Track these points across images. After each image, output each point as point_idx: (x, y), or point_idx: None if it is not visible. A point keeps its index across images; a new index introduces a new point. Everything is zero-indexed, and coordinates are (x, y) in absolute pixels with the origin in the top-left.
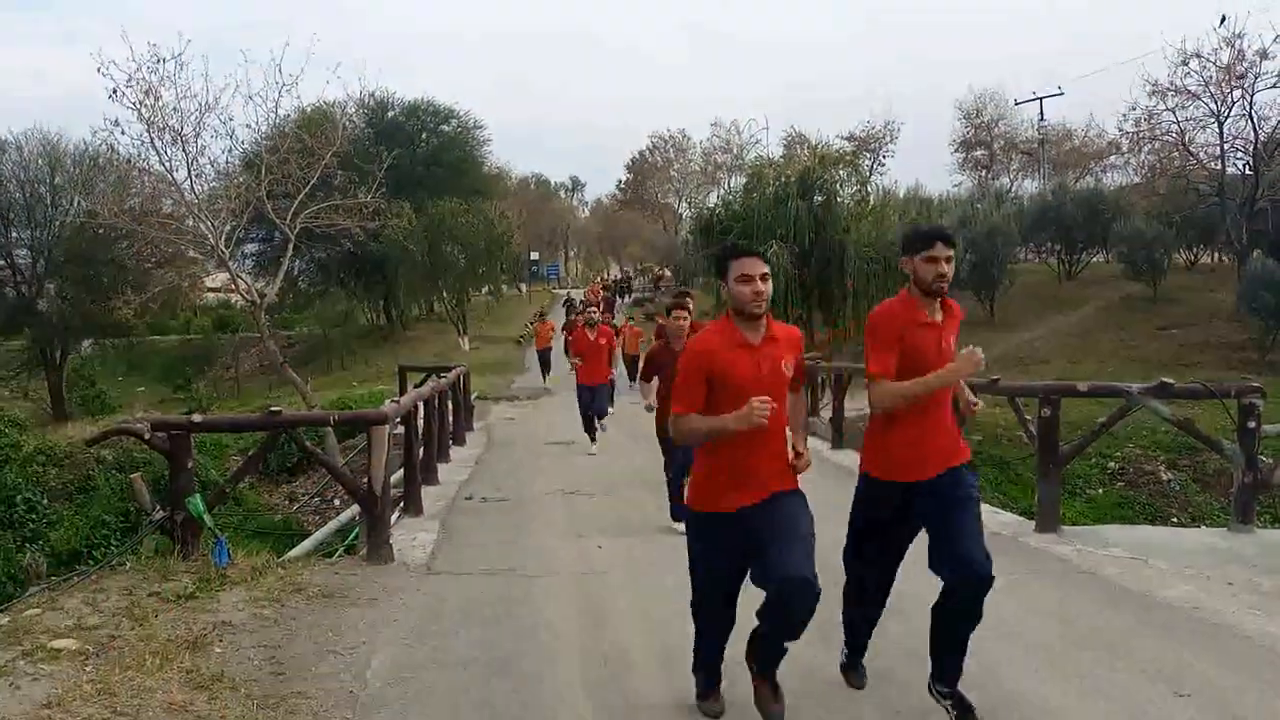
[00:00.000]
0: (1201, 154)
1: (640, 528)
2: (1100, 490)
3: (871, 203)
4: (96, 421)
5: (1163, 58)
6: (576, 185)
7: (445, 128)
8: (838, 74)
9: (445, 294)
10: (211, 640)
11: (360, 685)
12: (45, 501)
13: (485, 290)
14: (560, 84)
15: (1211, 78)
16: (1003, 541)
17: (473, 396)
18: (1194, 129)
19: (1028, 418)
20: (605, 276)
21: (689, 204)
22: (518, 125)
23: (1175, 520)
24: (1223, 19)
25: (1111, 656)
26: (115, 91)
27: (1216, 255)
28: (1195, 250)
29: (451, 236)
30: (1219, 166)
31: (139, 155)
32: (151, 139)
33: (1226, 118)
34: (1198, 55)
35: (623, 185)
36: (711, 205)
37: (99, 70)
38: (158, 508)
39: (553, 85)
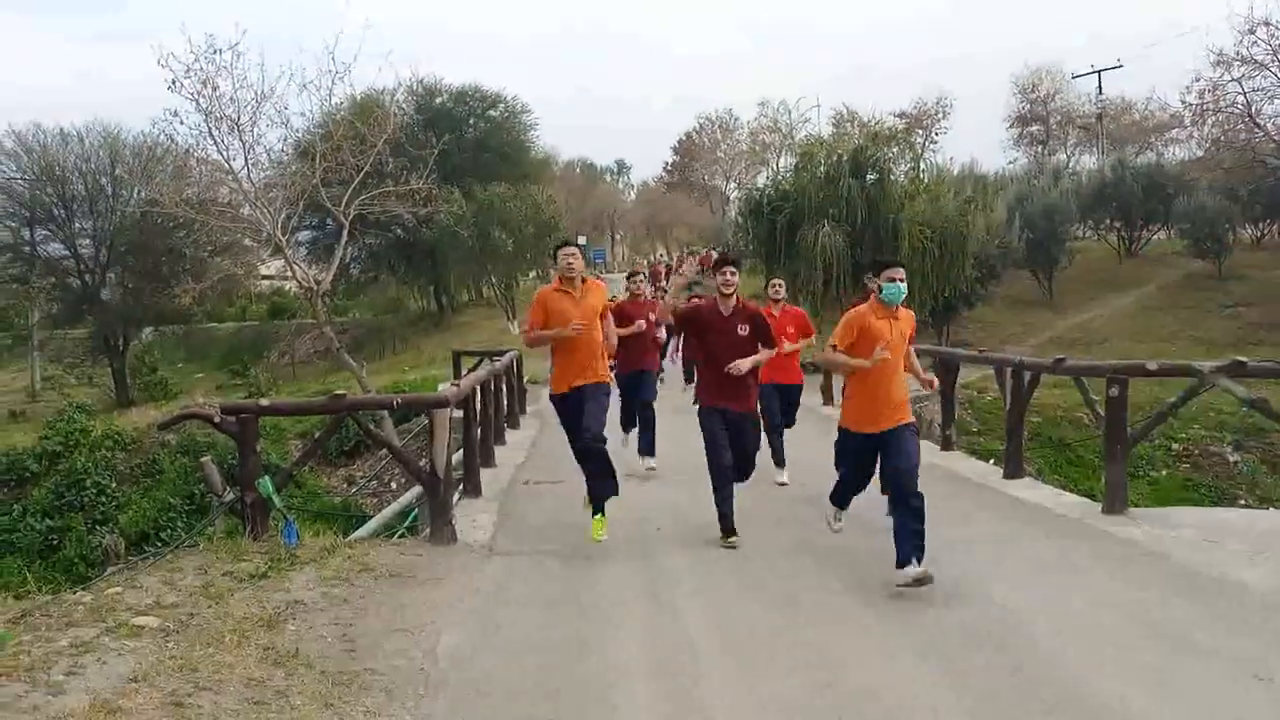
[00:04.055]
0: (1269, 125)
1: (696, 510)
2: (1164, 472)
3: (925, 180)
4: (159, 407)
5: (1228, 26)
6: (622, 168)
7: (493, 113)
8: (888, 50)
9: (494, 279)
10: (285, 618)
11: (431, 663)
12: (113, 485)
13: (533, 275)
14: (609, 67)
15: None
16: (1069, 524)
17: (525, 380)
18: (1261, 100)
19: (1094, 398)
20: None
21: (737, 185)
22: (564, 108)
23: (1243, 502)
24: None
25: (1184, 641)
26: (174, 83)
27: None
28: (1262, 226)
29: (500, 221)
30: None
31: (197, 145)
32: (210, 129)
33: None
34: (1265, 23)
35: (669, 167)
36: (760, 185)
37: (159, 62)
38: (228, 489)
39: (601, 69)
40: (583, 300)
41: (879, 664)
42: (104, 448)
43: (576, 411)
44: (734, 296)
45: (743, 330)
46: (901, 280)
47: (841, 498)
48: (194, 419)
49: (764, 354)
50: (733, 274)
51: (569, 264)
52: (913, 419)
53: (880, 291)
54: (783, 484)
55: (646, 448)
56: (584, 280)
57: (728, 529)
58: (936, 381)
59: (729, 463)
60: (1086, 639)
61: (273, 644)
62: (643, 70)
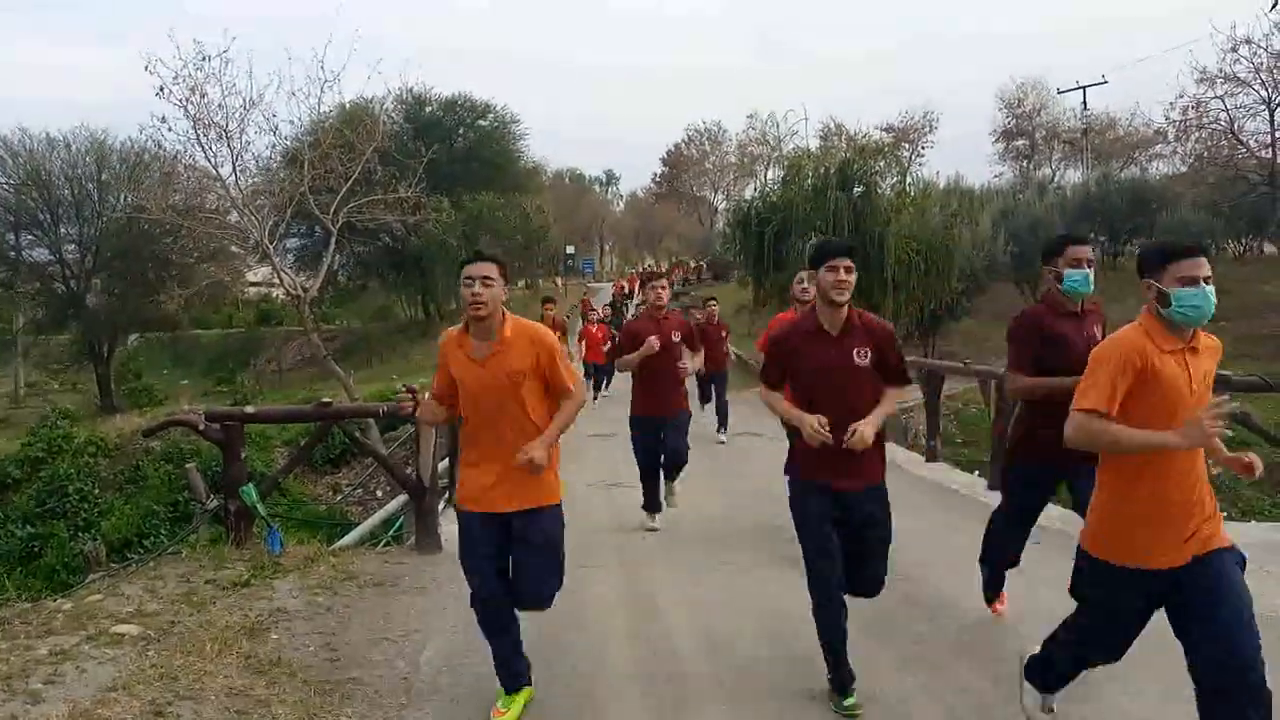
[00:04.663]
0: (1251, 142)
1: (683, 520)
2: None
3: (911, 194)
4: (144, 414)
5: (1211, 44)
6: (611, 179)
7: (482, 122)
8: (876, 66)
9: None
10: (268, 626)
11: (414, 672)
12: (96, 491)
13: (522, 284)
14: (606, 80)
15: (1262, 64)
16: (1054, 535)
17: None
18: (1244, 116)
19: None
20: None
21: (725, 196)
22: (552, 119)
23: (1225, 515)
24: (1274, 4)
25: (1175, 652)
26: (162, 89)
27: (1266, 246)
28: (1245, 241)
29: (489, 230)
30: (1270, 155)
31: (185, 151)
32: (198, 135)
33: (1278, 105)
34: (1248, 41)
35: (658, 178)
36: (749, 197)
37: (146, 68)
38: (212, 497)
39: (596, 80)
40: (492, 361)
41: (865, 675)
42: (87, 454)
43: (481, 539)
44: (846, 307)
45: (861, 359)
46: (1209, 281)
47: (1068, 665)
48: (179, 425)
49: (891, 400)
50: (848, 270)
51: (473, 295)
52: (1230, 542)
53: (1167, 306)
54: None
55: (651, 502)
56: (504, 322)
57: (843, 687)
58: (1258, 465)
59: (839, 576)
60: None
61: (255, 652)
62: (641, 74)
